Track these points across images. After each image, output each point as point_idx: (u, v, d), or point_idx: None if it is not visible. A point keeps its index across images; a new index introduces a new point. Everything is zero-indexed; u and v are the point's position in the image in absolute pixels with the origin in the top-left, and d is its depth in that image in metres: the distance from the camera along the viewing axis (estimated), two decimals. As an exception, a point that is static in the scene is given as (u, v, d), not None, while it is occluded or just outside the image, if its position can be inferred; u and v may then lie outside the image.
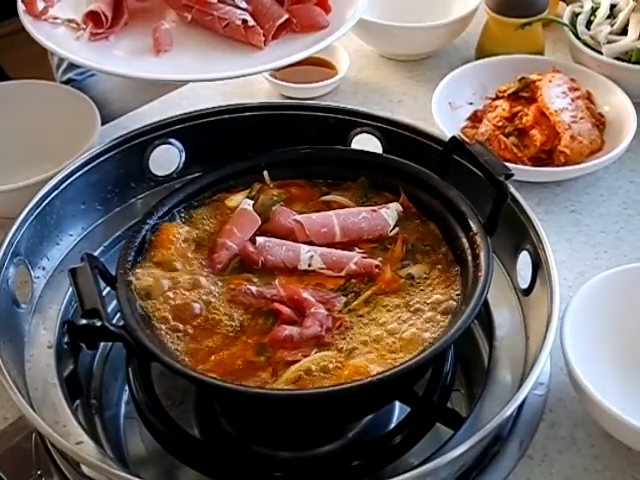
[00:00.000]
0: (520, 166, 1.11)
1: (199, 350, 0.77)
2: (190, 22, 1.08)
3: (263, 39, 1.04)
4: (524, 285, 0.88)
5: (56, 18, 1.06)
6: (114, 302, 0.82)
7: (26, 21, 1.04)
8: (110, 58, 1.02)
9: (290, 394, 0.73)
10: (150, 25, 1.07)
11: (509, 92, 1.19)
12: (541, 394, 0.87)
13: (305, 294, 0.79)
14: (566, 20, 1.31)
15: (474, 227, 0.84)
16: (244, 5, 1.07)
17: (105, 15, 1.04)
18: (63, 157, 1.03)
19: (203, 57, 1.04)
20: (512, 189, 0.86)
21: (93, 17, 1.04)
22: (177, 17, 1.09)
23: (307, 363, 0.75)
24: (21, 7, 1.05)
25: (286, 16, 1.05)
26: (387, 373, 0.73)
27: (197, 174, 0.95)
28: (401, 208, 0.88)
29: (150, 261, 0.84)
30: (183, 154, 1.02)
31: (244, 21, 1.04)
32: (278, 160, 0.94)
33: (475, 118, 1.22)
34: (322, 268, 0.83)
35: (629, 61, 1.23)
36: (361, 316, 0.79)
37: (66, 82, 1.63)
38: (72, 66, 1.64)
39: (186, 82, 1.20)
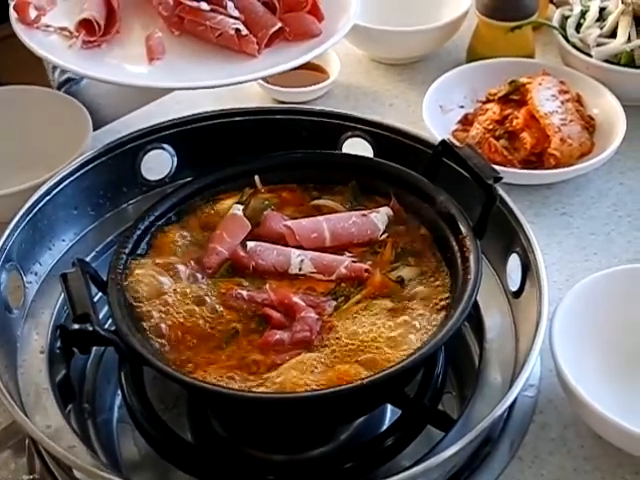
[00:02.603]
0: (511, 169, 1.11)
1: (190, 354, 0.77)
2: (184, 30, 1.08)
3: (257, 47, 1.04)
4: (514, 287, 0.89)
5: (48, 26, 1.06)
6: (107, 307, 0.83)
7: (18, 29, 1.04)
8: (103, 66, 1.03)
9: (281, 397, 0.74)
10: (142, 33, 1.07)
11: (499, 95, 1.20)
12: (531, 395, 0.87)
13: (295, 298, 0.80)
14: (556, 23, 1.32)
15: (464, 230, 0.84)
16: (236, 14, 1.07)
17: (98, 23, 1.04)
18: (55, 162, 1.04)
19: (196, 65, 1.04)
20: (501, 192, 0.86)
21: (86, 25, 1.05)
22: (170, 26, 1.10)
23: (296, 365, 0.75)
24: (13, 15, 1.05)
25: (279, 24, 1.06)
26: (377, 376, 0.73)
27: (189, 179, 0.95)
28: (391, 212, 0.89)
29: (141, 266, 0.84)
30: (175, 159, 1.03)
31: (237, 30, 1.04)
32: (269, 164, 0.95)
33: (466, 121, 1.22)
34: (313, 272, 0.83)
35: (618, 64, 1.24)
36: (351, 319, 0.80)
37: (64, 82, 1.63)
38: None
39: (178, 90, 1.21)
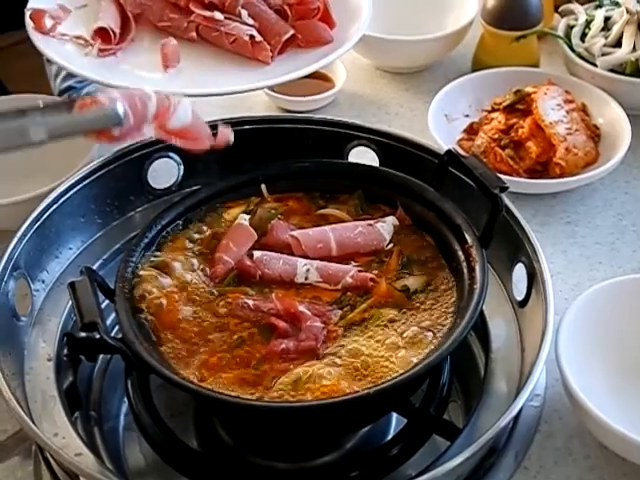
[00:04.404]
0: (516, 178, 1.12)
1: (196, 362, 0.78)
2: (197, 38, 1.10)
3: (270, 54, 1.05)
4: (519, 297, 0.89)
5: (64, 35, 1.07)
6: (113, 314, 0.83)
7: (35, 38, 1.06)
8: (119, 73, 1.04)
9: (287, 406, 0.74)
10: (156, 41, 1.08)
11: (505, 104, 1.20)
12: (537, 405, 0.87)
13: (301, 307, 0.80)
14: (561, 33, 1.32)
15: (469, 240, 0.84)
16: (251, 21, 1.09)
17: (113, 31, 1.06)
18: (62, 171, 1.04)
19: (210, 72, 1.06)
20: (507, 201, 0.87)
21: (101, 33, 1.06)
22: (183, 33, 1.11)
23: (302, 374, 0.75)
24: (30, 24, 1.07)
25: (292, 31, 1.07)
26: (384, 385, 0.74)
27: (195, 187, 0.96)
28: (397, 222, 0.89)
29: (148, 274, 0.84)
30: (181, 167, 1.03)
31: (251, 37, 1.06)
32: (276, 173, 0.95)
33: (471, 130, 1.23)
34: (319, 281, 0.84)
35: (623, 73, 1.24)
36: (357, 329, 0.80)
37: (65, 90, 1.64)
38: (71, 74, 1.65)
39: (192, 96, 1.21)
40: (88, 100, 0.69)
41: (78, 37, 1.07)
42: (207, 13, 1.08)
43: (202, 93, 1.04)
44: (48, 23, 1.07)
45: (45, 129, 0.65)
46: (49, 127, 0.65)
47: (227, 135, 0.80)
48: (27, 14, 1.07)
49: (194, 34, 1.09)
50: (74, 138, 0.71)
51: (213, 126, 0.83)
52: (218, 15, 1.07)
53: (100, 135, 0.70)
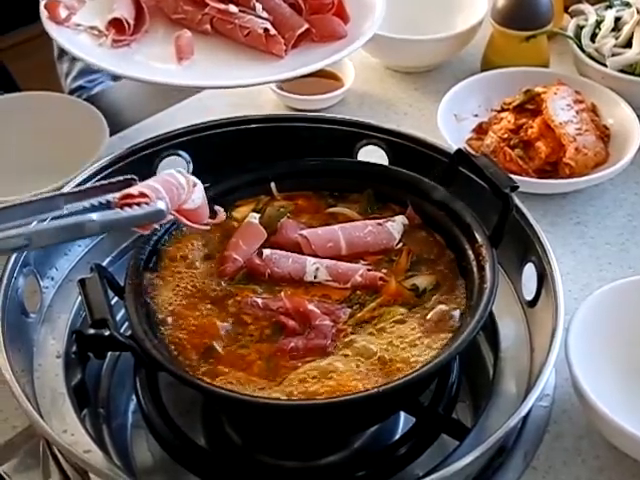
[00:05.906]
0: (525, 178, 1.11)
1: (205, 360, 0.77)
2: (211, 31, 1.10)
3: (284, 48, 1.05)
4: (529, 297, 0.89)
5: (79, 25, 1.08)
6: (122, 311, 0.83)
7: (49, 27, 1.06)
8: (133, 64, 1.04)
9: (296, 404, 0.74)
10: (171, 33, 1.09)
11: (514, 104, 1.20)
12: (546, 405, 0.87)
13: (310, 306, 0.80)
14: (571, 33, 1.32)
15: (479, 239, 0.84)
16: (265, 15, 1.09)
17: (127, 22, 1.06)
18: (71, 168, 1.04)
19: (224, 65, 1.06)
20: (517, 201, 0.86)
21: (115, 24, 1.07)
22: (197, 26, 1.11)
23: (311, 372, 0.75)
24: (44, 14, 1.07)
25: (306, 26, 1.07)
26: (392, 384, 0.73)
27: (205, 185, 0.95)
28: (407, 221, 0.89)
29: (158, 272, 0.84)
30: (191, 165, 1.03)
31: (266, 30, 1.06)
32: (285, 172, 0.95)
33: (480, 130, 1.22)
34: (328, 280, 0.83)
35: (633, 74, 1.24)
36: (366, 327, 0.80)
37: (75, 89, 1.65)
38: (82, 74, 1.66)
39: (206, 89, 1.22)
40: (134, 192, 0.72)
41: (92, 27, 1.08)
42: (221, 6, 1.08)
43: (215, 85, 1.04)
44: (63, 13, 1.07)
45: (98, 226, 0.69)
46: (101, 224, 0.69)
47: (221, 216, 0.85)
48: (42, 3, 1.08)
49: (208, 27, 1.10)
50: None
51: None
52: (232, 8, 1.08)
53: (141, 228, 0.75)
